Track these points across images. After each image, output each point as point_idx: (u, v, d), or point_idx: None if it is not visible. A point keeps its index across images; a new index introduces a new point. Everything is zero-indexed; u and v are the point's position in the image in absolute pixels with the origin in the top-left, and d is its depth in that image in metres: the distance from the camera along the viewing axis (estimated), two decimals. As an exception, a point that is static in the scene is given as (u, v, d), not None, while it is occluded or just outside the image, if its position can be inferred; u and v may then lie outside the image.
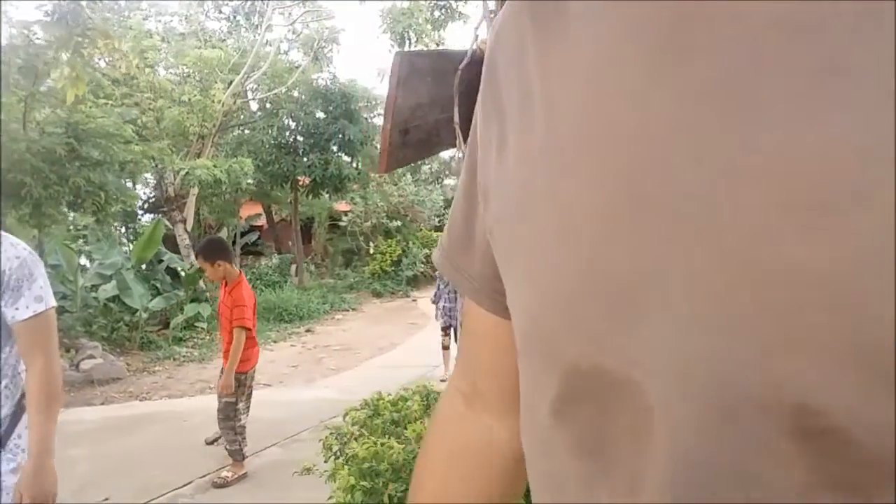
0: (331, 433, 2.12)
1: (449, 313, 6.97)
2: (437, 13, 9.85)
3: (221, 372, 4.77)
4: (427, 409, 2.55)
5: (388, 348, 9.28)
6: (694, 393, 0.30)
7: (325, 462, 2.06)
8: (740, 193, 0.28)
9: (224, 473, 4.24)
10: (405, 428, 2.35)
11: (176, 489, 4.15)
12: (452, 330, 6.96)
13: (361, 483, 1.52)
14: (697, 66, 0.31)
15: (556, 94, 0.38)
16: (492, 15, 1.49)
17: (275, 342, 9.61)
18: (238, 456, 4.27)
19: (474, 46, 1.42)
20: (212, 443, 4.91)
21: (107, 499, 3.93)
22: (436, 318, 7.26)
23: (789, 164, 0.27)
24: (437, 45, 10.31)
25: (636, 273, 0.32)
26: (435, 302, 7.25)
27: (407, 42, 9.97)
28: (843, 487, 0.27)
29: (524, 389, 0.43)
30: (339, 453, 2.03)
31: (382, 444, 1.84)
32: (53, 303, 1.69)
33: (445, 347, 6.96)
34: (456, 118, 1.35)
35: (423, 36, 10.04)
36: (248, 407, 4.40)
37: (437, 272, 7.51)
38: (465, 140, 1.43)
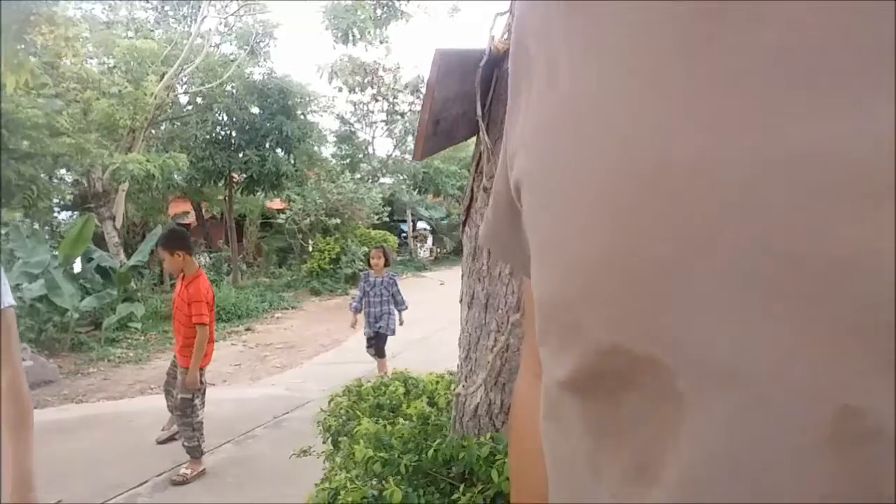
0: (329, 415, 2.20)
1: (378, 321, 5.91)
2: (379, 11, 9.89)
3: (170, 370, 4.70)
4: (407, 393, 2.66)
5: (331, 345, 9.24)
6: (729, 386, 0.28)
7: (324, 443, 2.13)
8: (779, 182, 0.27)
9: (183, 471, 4.18)
10: (391, 411, 2.46)
11: (132, 489, 4.06)
12: (382, 340, 5.95)
13: (379, 455, 1.61)
14: (725, 50, 0.30)
15: (580, 68, 0.37)
16: (503, 14, 1.61)
17: (215, 340, 9.38)
18: (196, 453, 4.22)
19: (490, 46, 1.55)
20: (163, 442, 4.82)
21: (60, 501, 3.80)
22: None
23: (825, 153, 0.27)
24: (381, 42, 10.37)
25: (665, 255, 0.30)
26: (357, 309, 6.07)
27: (351, 39, 9.96)
28: (867, 497, 0.26)
29: (542, 361, 0.42)
30: (337, 433, 2.11)
31: (385, 423, 1.94)
32: (11, 300, 1.37)
33: (380, 356, 6.00)
34: (479, 111, 1.48)
35: (367, 33, 10.05)
36: (203, 403, 4.36)
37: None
38: (486, 131, 1.56)
